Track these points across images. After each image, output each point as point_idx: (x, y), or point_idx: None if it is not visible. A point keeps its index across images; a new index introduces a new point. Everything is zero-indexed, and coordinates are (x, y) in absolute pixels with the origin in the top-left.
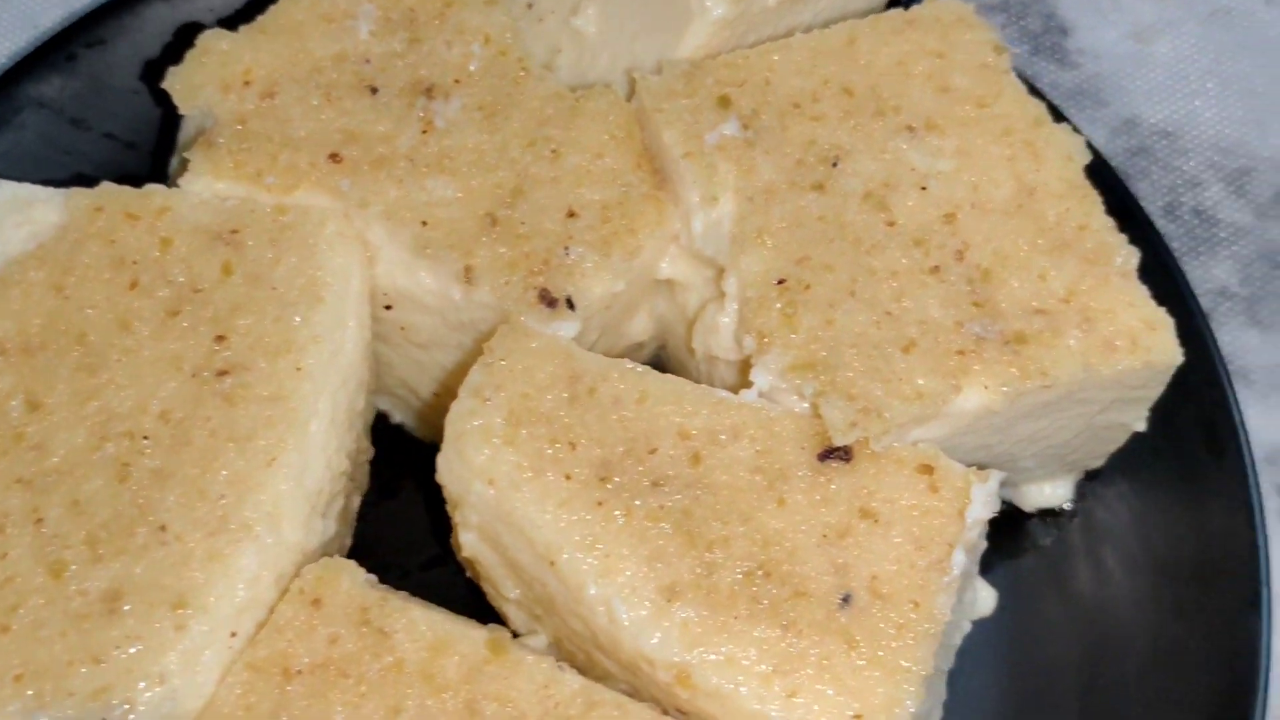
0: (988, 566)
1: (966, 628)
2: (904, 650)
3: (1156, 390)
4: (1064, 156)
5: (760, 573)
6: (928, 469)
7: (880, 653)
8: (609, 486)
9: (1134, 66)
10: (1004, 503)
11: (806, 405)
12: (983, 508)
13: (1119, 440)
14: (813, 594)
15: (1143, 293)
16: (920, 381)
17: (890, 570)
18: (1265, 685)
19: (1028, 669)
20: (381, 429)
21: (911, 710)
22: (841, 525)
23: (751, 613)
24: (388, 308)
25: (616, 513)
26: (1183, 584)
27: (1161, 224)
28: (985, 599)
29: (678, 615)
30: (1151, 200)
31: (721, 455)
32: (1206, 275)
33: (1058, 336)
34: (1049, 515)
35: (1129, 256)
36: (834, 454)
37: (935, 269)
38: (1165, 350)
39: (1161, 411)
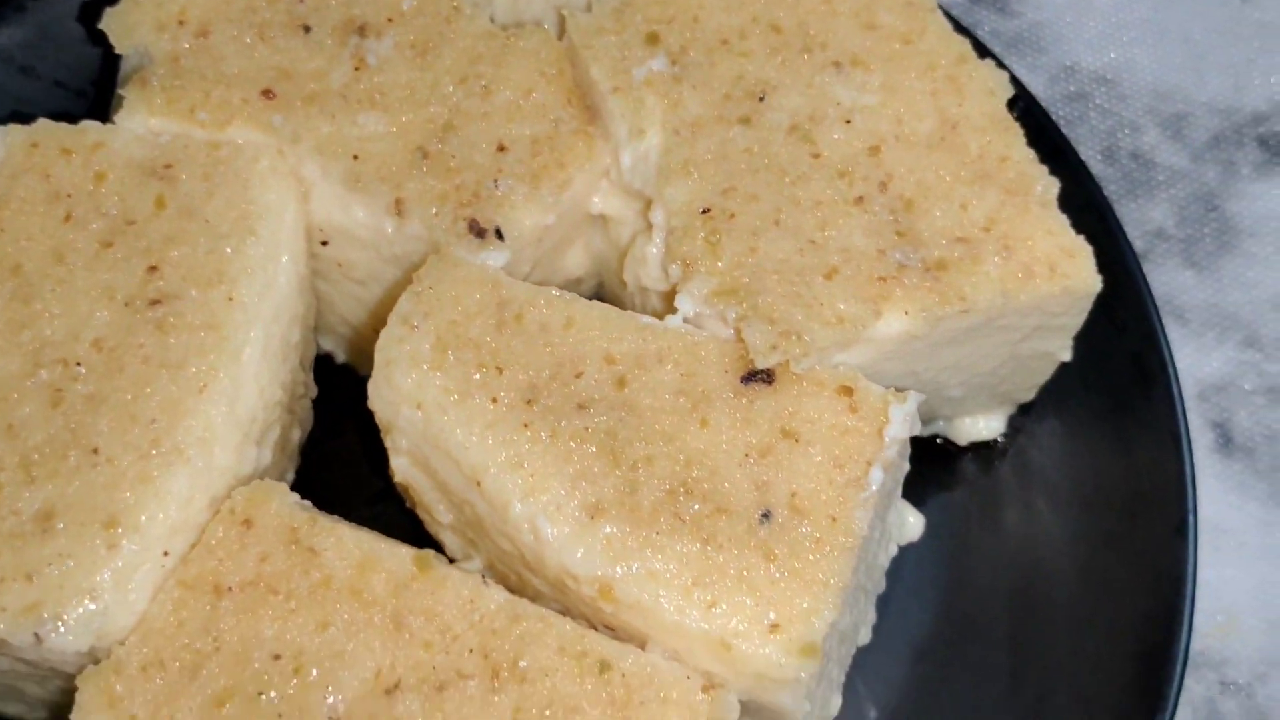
0: (920, 499)
1: (893, 551)
2: (821, 563)
3: (1078, 319)
4: (986, 91)
5: (682, 490)
6: (848, 390)
7: (798, 565)
8: (535, 409)
9: (1073, 15)
10: (938, 438)
11: (730, 330)
12: (901, 427)
13: (1047, 371)
14: (733, 510)
15: (1062, 221)
16: (841, 306)
17: (809, 487)
18: (1190, 610)
19: (959, 595)
20: (327, 370)
21: (830, 620)
22: (763, 445)
23: (673, 528)
24: (324, 243)
25: (542, 434)
26: (1112, 514)
27: (1099, 167)
28: (913, 524)
29: (601, 531)
30: (1090, 144)
31: (646, 379)
32: (1143, 217)
33: (977, 263)
34: (982, 449)
35: (1049, 187)
36: (756, 377)
37: (859, 199)
38: (1083, 277)
39: (1091, 346)
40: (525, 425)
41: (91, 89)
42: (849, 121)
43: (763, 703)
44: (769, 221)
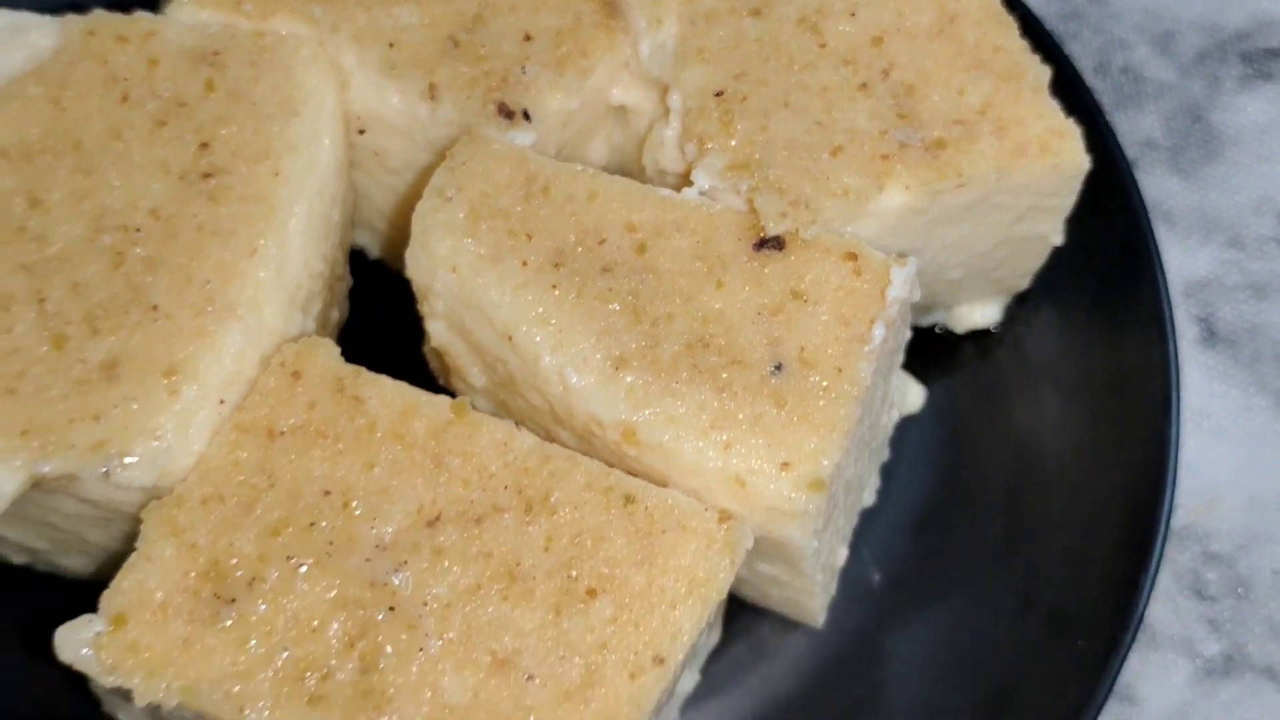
0: (922, 381)
1: (896, 418)
2: (828, 409)
3: (1068, 199)
4: None
5: (700, 345)
6: (852, 256)
7: (807, 411)
8: (562, 272)
9: None
10: (938, 327)
11: (742, 203)
12: (901, 287)
13: (1041, 256)
14: (747, 363)
15: (1053, 106)
16: (847, 180)
17: (817, 342)
18: (1173, 477)
19: (958, 467)
20: (360, 265)
21: (835, 460)
22: (774, 305)
23: (691, 378)
24: (361, 132)
25: (569, 294)
26: (1102, 394)
27: (1092, 80)
28: (915, 394)
29: (624, 380)
30: (1083, 60)
31: (665, 245)
32: (1134, 127)
33: (973, 142)
34: (980, 336)
35: (1040, 74)
36: (767, 243)
37: (863, 85)
38: (1073, 156)
39: (1082, 238)
40: (553, 286)
41: None
42: (854, 14)
43: (774, 538)
44: (779, 104)
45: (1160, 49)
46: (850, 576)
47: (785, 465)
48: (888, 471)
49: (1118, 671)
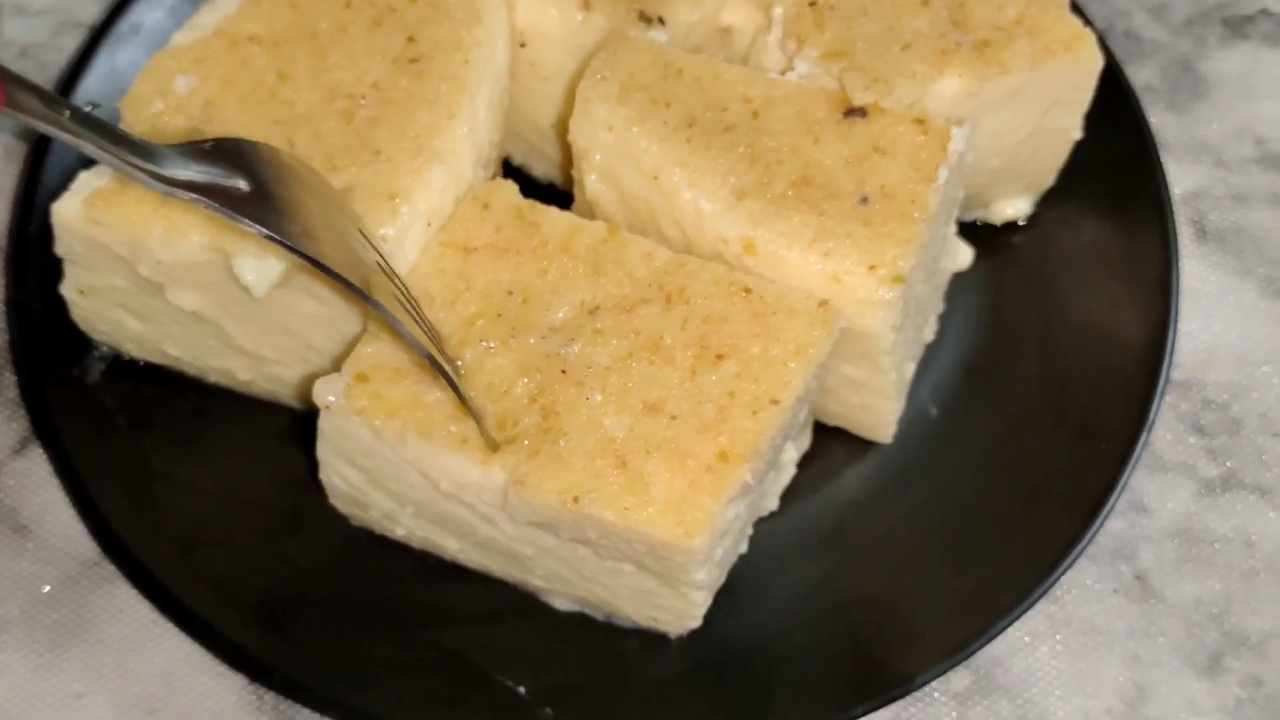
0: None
1: (948, 275)
2: (905, 228)
3: (1086, 94)
4: None
5: (803, 183)
6: (921, 120)
7: (889, 230)
8: (694, 129)
9: None
10: (979, 221)
11: (834, 82)
12: (960, 142)
13: (1065, 150)
14: (840, 196)
15: (1074, 19)
16: (914, 66)
17: (894, 182)
18: (1174, 326)
19: (999, 323)
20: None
21: (912, 264)
22: (859, 155)
23: (797, 205)
24: (522, 45)
25: (700, 145)
26: (1116, 269)
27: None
28: (965, 254)
29: (745, 207)
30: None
31: (773, 113)
32: (1136, 77)
33: (1011, 42)
34: (1013, 227)
35: None
36: (854, 112)
37: (925, 2)
38: (1090, 54)
39: (1095, 144)
40: (688, 140)
41: None
42: None
43: (861, 332)
44: (859, 12)
45: (1155, 16)
46: (911, 411)
47: (872, 267)
48: (942, 321)
49: (1136, 461)
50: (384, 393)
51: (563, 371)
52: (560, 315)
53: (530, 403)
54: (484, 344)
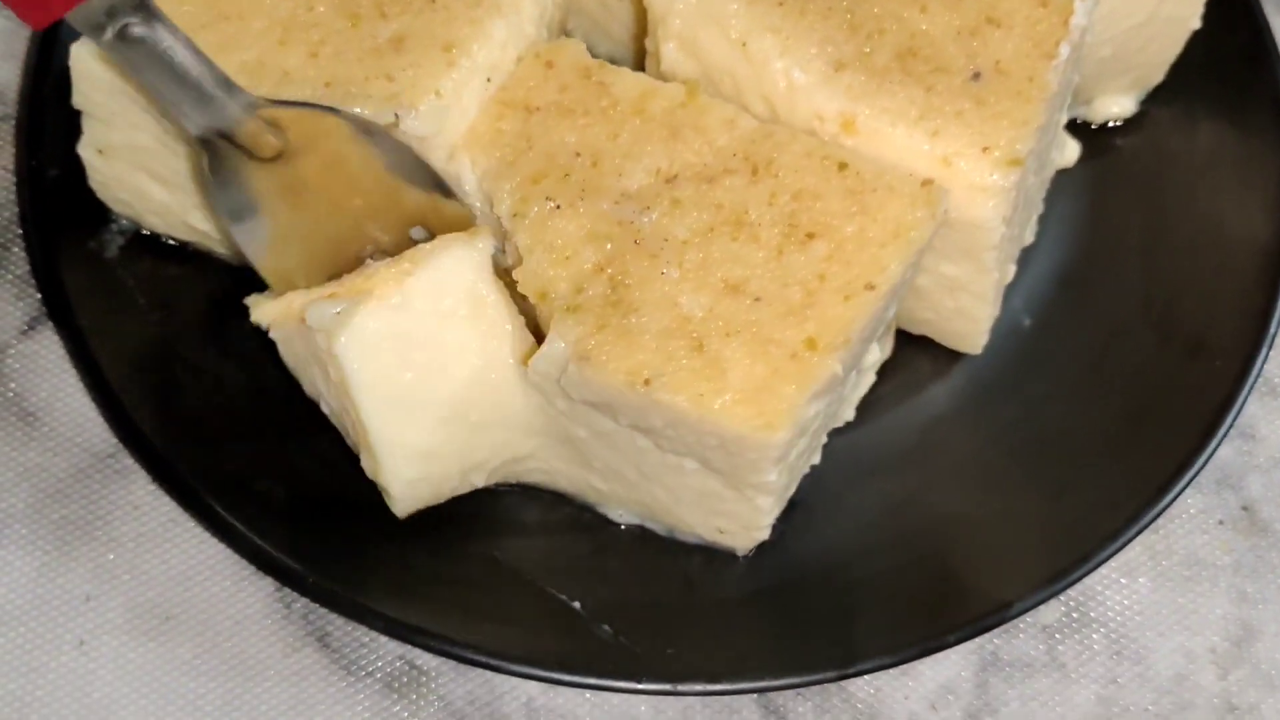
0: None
1: (1052, 172)
2: (1023, 108)
3: None
4: None
5: (909, 55)
6: None
7: (1005, 109)
8: None
9: None
10: (1078, 119)
11: None
12: (1082, 16)
13: (1179, 42)
14: (950, 70)
15: None
16: None
17: (1010, 57)
18: None
19: (1098, 230)
20: None
21: (1029, 148)
22: (971, 27)
23: (903, 80)
24: None
25: (794, 9)
26: (1225, 175)
27: None
28: (1072, 148)
29: (844, 79)
30: None
31: None
32: None
33: None
34: (1113, 126)
35: None
36: None
37: None
38: None
39: (1209, 45)
40: (780, 3)
41: None
42: None
43: (968, 221)
44: None
45: None
46: (1003, 322)
47: (986, 149)
48: (1040, 221)
49: (1254, 382)
50: None
51: (635, 242)
52: (634, 182)
53: (597, 272)
54: (549, 202)
